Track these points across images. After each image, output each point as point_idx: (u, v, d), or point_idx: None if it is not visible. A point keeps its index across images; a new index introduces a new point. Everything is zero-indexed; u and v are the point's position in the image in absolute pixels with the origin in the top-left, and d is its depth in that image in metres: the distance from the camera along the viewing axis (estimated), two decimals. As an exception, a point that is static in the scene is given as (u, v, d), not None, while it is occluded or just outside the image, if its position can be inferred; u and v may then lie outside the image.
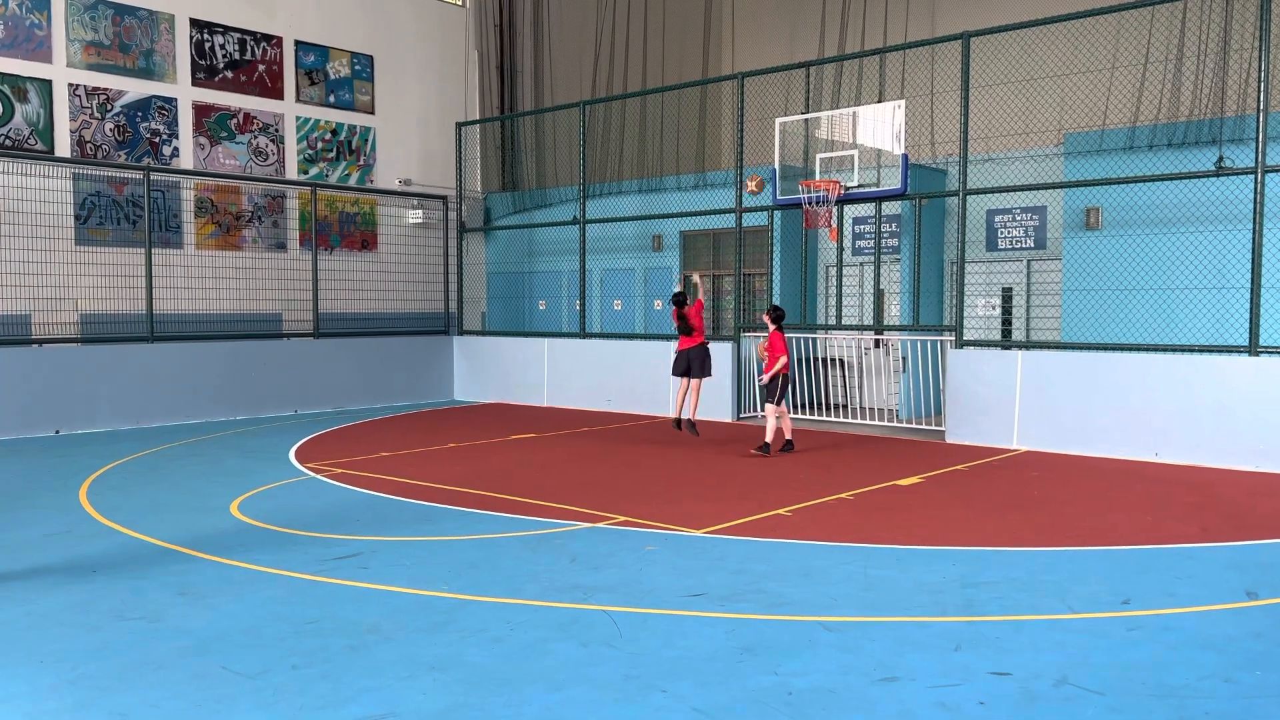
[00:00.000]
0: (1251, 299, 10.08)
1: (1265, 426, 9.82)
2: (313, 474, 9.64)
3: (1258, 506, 8.18)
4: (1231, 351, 10.19)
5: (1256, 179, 10.09)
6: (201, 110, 15.09)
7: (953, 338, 12.14)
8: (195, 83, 15.01)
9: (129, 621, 5.22)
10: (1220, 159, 10.96)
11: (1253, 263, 10.09)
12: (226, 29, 15.34)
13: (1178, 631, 5.03)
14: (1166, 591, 5.73)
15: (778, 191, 13.37)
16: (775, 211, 14.17)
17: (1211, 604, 5.50)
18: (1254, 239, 10.09)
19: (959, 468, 10.01)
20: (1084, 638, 4.94)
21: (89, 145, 13.96)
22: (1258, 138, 10.08)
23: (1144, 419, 10.46)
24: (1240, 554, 6.64)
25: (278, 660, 4.63)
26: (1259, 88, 10.07)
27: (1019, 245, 14.20)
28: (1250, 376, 9.95)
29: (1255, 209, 10.09)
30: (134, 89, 14.39)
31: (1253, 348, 10.03)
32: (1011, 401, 11.41)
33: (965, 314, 12.25)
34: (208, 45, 15.15)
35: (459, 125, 17.56)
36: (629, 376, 15.05)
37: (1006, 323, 14.36)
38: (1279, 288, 11.32)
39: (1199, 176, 10.77)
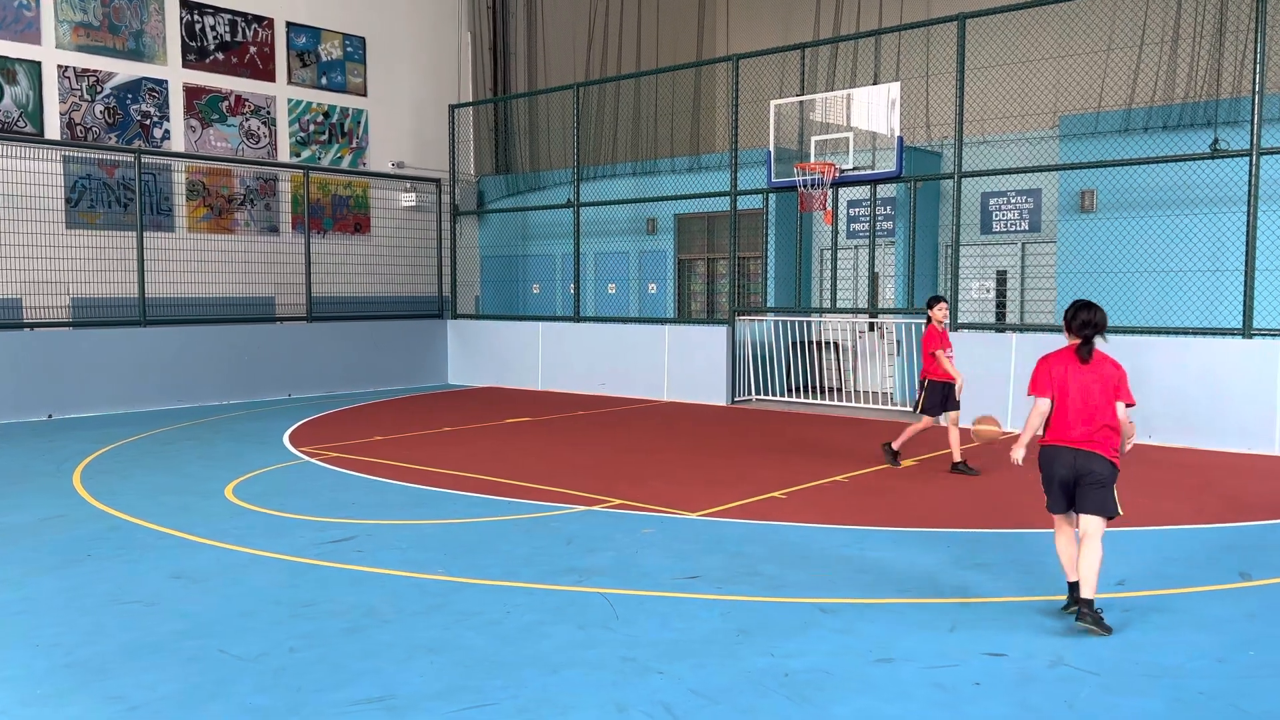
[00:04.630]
0: (1246, 281, 10.09)
1: (1259, 408, 9.85)
2: (307, 458, 9.62)
3: (1252, 488, 8.21)
4: (1225, 334, 10.21)
5: (1251, 161, 10.08)
6: (192, 92, 14.98)
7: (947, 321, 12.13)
8: (186, 64, 14.89)
9: (124, 605, 5.21)
10: (1215, 141, 10.94)
11: (1247, 245, 10.09)
12: (217, 10, 15.21)
13: (1172, 612, 5.06)
14: (1160, 573, 5.75)
15: (773, 174, 13.33)
16: (770, 194, 14.14)
17: (1205, 585, 5.53)
18: (1248, 221, 10.10)
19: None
20: (1079, 619, 4.95)
21: (79, 128, 13.85)
22: (1253, 120, 10.07)
23: (1139, 401, 10.44)
24: (1234, 535, 6.67)
25: (275, 643, 4.63)
26: (1254, 70, 10.06)
27: (1013, 228, 14.19)
28: (1244, 359, 9.97)
29: (1250, 191, 10.09)
30: (124, 71, 14.27)
31: (1246, 330, 10.05)
32: (1006, 384, 11.42)
33: (960, 297, 12.24)
34: (198, 26, 15.02)
35: (452, 107, 17.46)
36: (623, 360, 15.04)
37: (1001, 306, 14.37)
38: (1273, 270, 11.33)
39: (1194, 159, 10.77)
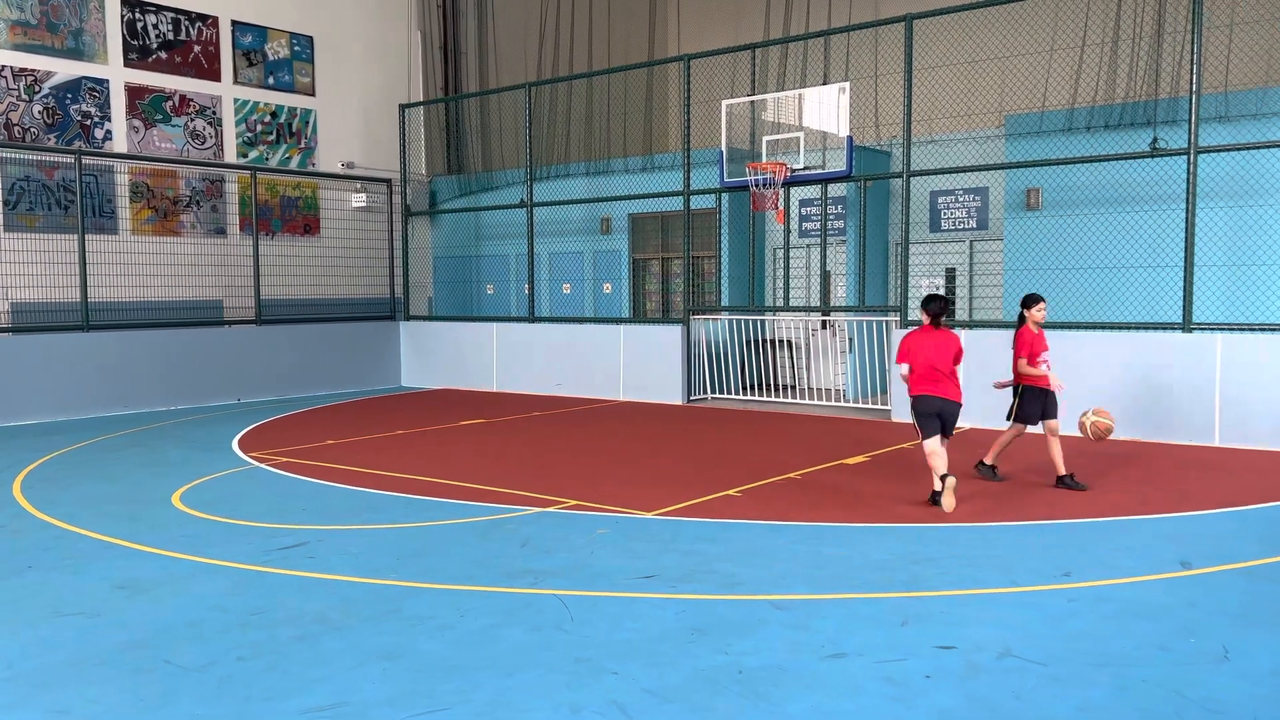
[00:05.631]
0: (1185, 277, 10.34)
1: (1198, 401, 10.10)
2: (257, 463, 9.48)
3: (1192, 479, 8.41)
4: (1166, 329, 10.44)
5: (1189, 159, 10.33)
6: (135, 92, 14.67)
7: (898, 318, 12.28)
8: (128, 64, 14.59)
9: (67, 617, 5.09)
10: (1154, 140, 11.20)
11: (1186, 241, 10.34)
12: (160, 8, 14.91)
13: (1116, 602, 5.16)
14: (1105, 563, 5.87)
15: (725, 174, 13.38)
16: (723, 194, 14.20)
17: (1148, 574, 5.65)
18: (1187, 218, 10.34)
19: (904, 446, 10.14)
20: (1026, 610, 5.05)
21: (16, 128, 13.50)
22: (1190, 119, 10.31)
23: (1083, 395, 10.65)
24: (1175, 525, 6.83)
25: (222, 653, 4.55)
26: (1191, 70, 10.30)
27: (962, 226, 14.40)
28: (1184, 352, 10.21)
29: (1188, 189, 10.33)
30: (63, 70, 13.94)
31: (1186, 324, 10.29)
32: (955, 380, 11.57)
33: (910, 294, 12.39)
34: (140, 25, 14.71)
35: (402, 107, 17.30)
36: (579, 360, 15.01)
37: (950, 303, 14.57)
38: (1211, 266, 11.62)
39: (1134, 157, 11.01)
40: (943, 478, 7.10)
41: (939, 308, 7.46)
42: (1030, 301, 8.11)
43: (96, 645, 4.68)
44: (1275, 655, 4.40)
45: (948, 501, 7.06)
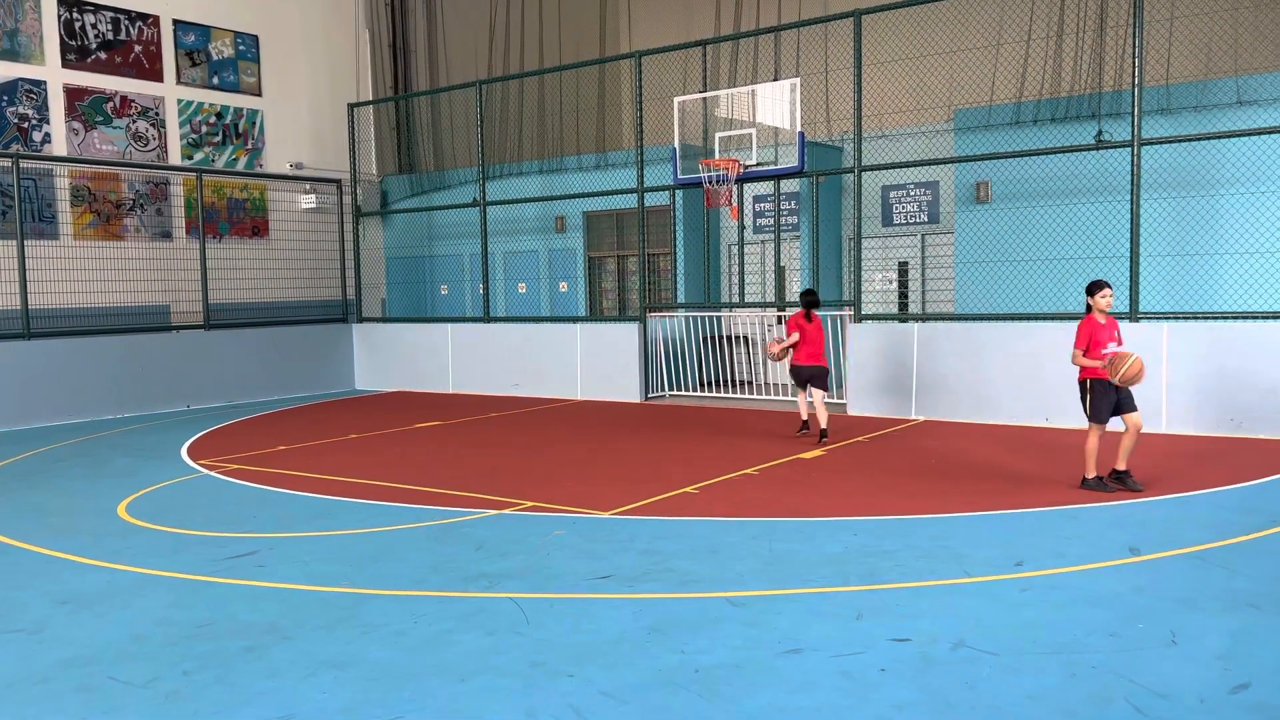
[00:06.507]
0: (1131, 267, 10.51)
1: (1146, 390, 10.24)
2: (206, 471, 9.30)
3: (1141, 466, 8.54)
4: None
5: (1133, 152, 10.50)
6: (74, 93, 14.33)
7: (852, 312, 12.36)
8: (66, 64, 14.24)
9: (7, 635, 4.94)
10: (1099, 133, 11.37)
11: (1131, 232, 10.51)
12: (99, 7, 14.57)
13: (1067, 590, 5.23)
14: (1056, 552, 5.94)
15: (679, 171, 13.38)
16: (677, 191, 14.20)
17: (1098, 562, 5.73)
18: (1132, 209, 10.52)
19: (860, 439, 10.21)
20: (979, 600, 5.09)
21: (-50, 131, 13.14)
22: (1133, 112, 10.48)
23: (1034, 386, 10.83)
24: (1124, 512, 6.94)
25: (169, 667, 4.45)
26: (1134, 63, 10.47)
27: (913, 220, 14.52)
28: (1131, 342, 10.35)
29: (1132, 181, 10.50)
30: (-2, 71, 13.58)
31: (1133, 314, 10.47)
32: (909, 373, 11.69)
33: (863, 289, 12.48)
34: (78, 24, 14.36)
35: (351, 106, 17.08)
36: (536, 360, 14.93)
37: (903, 296, 14.70)
38: (1157, 256, 11.83)
39: (1080, 150, 11.17)
40: (805, 423, 10.51)
41: (813, 300, 10.24)
42: (1094, 288, 7.50)
43: (38, 663, 4.55)
44: (1221, 639, 4.48)
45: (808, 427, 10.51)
